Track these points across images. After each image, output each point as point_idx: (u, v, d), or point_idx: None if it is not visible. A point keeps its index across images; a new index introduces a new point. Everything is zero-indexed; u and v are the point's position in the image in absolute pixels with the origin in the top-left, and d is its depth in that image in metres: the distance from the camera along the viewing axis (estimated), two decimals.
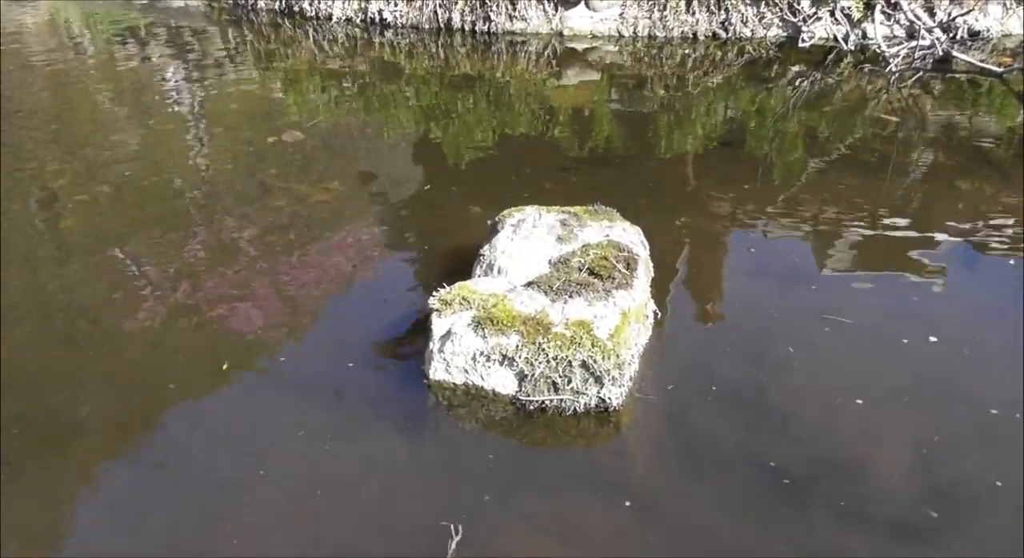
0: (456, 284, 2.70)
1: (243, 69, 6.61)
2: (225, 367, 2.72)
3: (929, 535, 2.06)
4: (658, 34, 6.87)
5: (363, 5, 7.52)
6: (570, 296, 2.56)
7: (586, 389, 2.40)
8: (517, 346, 2.42)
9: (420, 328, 2.74)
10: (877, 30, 6.39)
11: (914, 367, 2.68)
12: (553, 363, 2.39)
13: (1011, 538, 2.04)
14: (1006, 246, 3.51)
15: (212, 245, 3.57)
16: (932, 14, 6.57)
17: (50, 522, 2.17)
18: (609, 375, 2.38)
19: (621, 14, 6.92)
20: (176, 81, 6.25)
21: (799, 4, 6.71)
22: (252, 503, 2.18)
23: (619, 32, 6.94)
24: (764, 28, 6.78)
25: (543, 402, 2.43)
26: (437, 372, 2.52)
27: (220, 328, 2.97)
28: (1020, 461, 2.27)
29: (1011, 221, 3.72)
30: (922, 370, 2.67)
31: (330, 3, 7.67)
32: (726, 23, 6.79)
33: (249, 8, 8.29)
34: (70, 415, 2.51)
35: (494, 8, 7.03)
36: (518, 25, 7.05)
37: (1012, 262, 3.36)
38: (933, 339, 2.80)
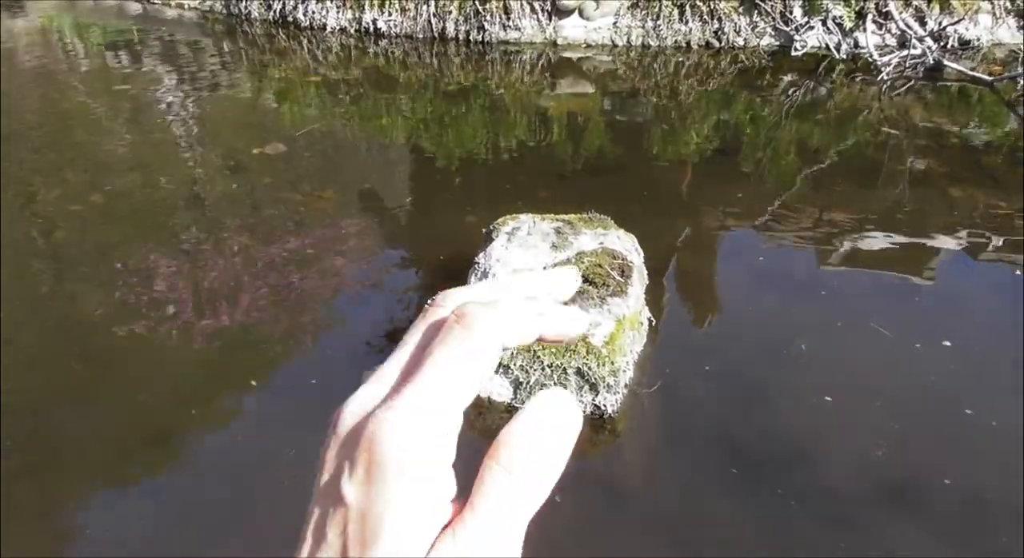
0: None
1: (237, 79, 6.62)
2: (254, 383, 2.70)
3: (862, 524, 2.10)
4: (652, 43, 6.91)
5: (357, 15, 7.54)
6: (565, 304, 2.55)
7: (581, 397, 2.40)
8: (512, 354, 2.41)
9: None
10: (869, 39, 6.44)
11: (923, 370, 2.70)
12: (548, 371, 2.39)
13: (945, 533, 2.06)
14: (1005, 253, 3.53)
15: (207, 256, 3.56)
16: (923, 23, 6.62)
17: (49, 542, 2.15)
18: (604, 382, 2.38)
19: (615, 23, 6.95)
20: (169, 91, 6.25)
21: (791, 13, 6.76)
22: (247, 520, 2.16)
23: (613, 41, 6.97)
24: (757, 37, 6.82)
25: None
26: None
27: (217, 340, 2.96)
28: (977, 462, 2.31)
29: (1005, 228, 3.74)
30: (932, 373, 2.68)
31: (324, 13, 7.69)
32: (719, 32, 6.82)
33: (243, 18, 8.31)
34: (71, 432, 2.49)
35: (488, 17, 7.05)
36: (512, 34, 7.08)
37: (1018, 272, 3.36)
38: (947, 344, 2.81)
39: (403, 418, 0.35)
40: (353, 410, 0.38)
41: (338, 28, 7.66)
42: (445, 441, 0.36)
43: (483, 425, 2.45)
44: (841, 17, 6.64)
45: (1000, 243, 3.61)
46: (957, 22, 6.62)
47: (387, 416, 0.35)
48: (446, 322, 0.38)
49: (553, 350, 2.39)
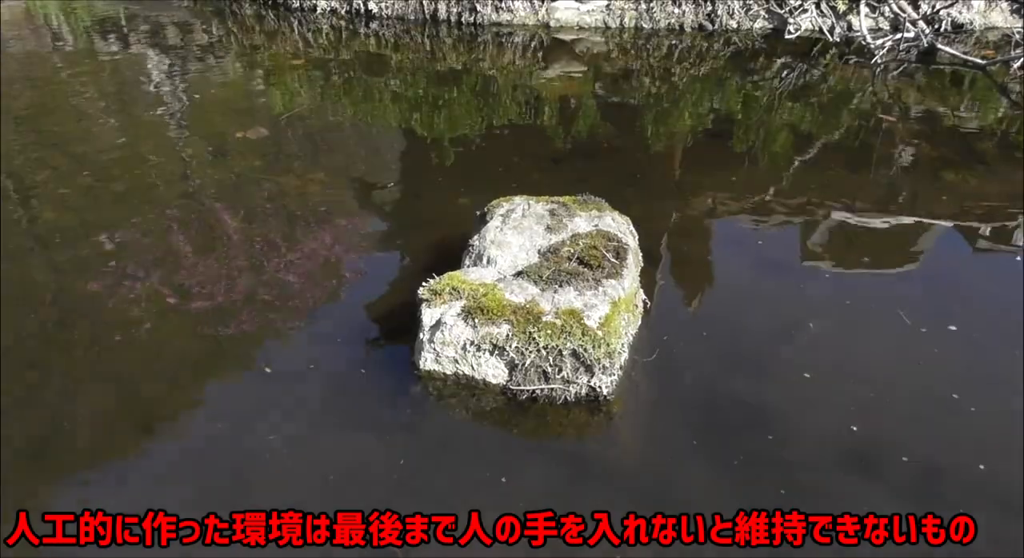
0: (446, 274, 2.68)
1: (226, 61, 6.54)
2: (268, 369, 2.66)
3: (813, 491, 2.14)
4: (645, 25, 6.86)
5: None
6: (560, 285, 2.55)
7: (577, 378, 2.39)
8: (507, 335, 2.40)
9: (409, 319, 2.71)
10: (862, 22, 6.41)
11: (920, 354, 2.69)
12: (543, 352, 2.37)
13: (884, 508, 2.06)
14: (1000, 237, 3.53)
15: (197, 238, 3.52)
16: (916, 7, 6.60)
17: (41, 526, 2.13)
18: (599, 364, 2.37)
19: (608, 5, 6.90)
20: (157, 73, 6.17)
21: None
22: (240, 504, 2.15)
23: (606, 23, 6.92)
24: (750, 20, 6.79)
25: (534, 391, 2.42)
26: (427, 362, 2.50)
27: (207, 323, 2.93)
28: (942, 443, 2.32)
29: (998, 212, 3.75)
30: (930, 357, 2.68)
31: None
32: (712, 15, 6.79)
33: (232, 0, 8.21)
34: (62, 416, 2.46)
35: None
36: (504, 16, 7.02)
37: (1018, 258, 3.35)
38: (952, 328, 2.80)
39: None
40: None
41: (328, 9, 7.58)
42: None
43: (477, 406, 2.44)
44: (835, 0, 6.61)
45: (995, 226, 3.61)
46: (950, 5, 6.61)
47: None
48: None
49: (548, 331, 2.38)
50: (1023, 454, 2.24)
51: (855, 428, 2.34)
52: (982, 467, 2.20)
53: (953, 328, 2.80)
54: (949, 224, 3.63)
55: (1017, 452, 2.25)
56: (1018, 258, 3.35)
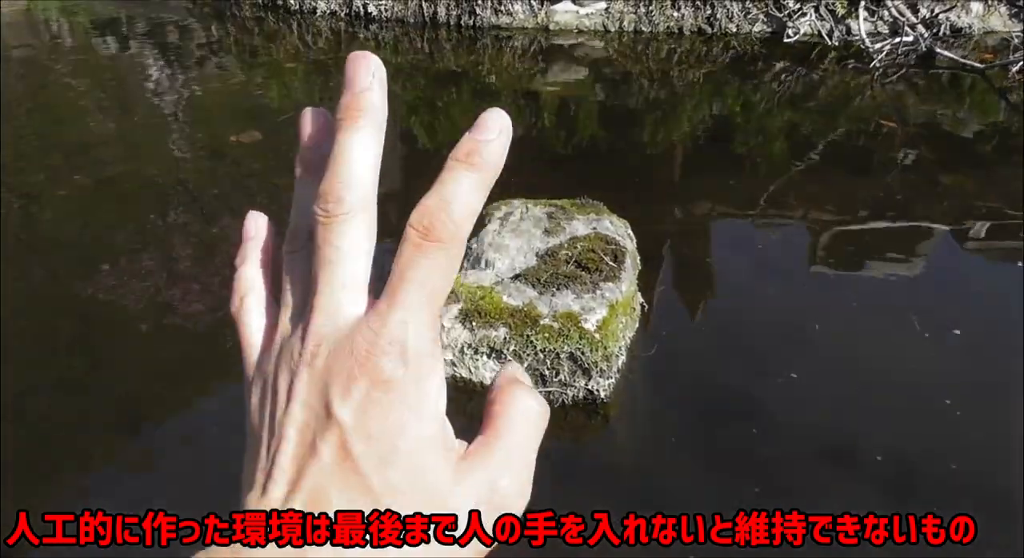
0: None
1: (225, 64, 6.55)
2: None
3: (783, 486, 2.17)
4: (644, 29, 6.88)
5: None
6: (558, 289, 2.56)
7: (574, 381, 2.40)
8: (505, 338, 2.41)
9: None
10: (861, 26, 6.43)
11: (926, 360, 2.70)
12: (541, 356, 2.38)
13: (856, 503, 2.08)
14: (1000, 241, 3.54)
15: (196, 241, 3.53)
16: (915, 11, 6.61)
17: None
18: (597, 367, 2.38)
19: (607, 9, 6.92)
20: (156, 75, 6.18)
21: (784, 0, 6.74)
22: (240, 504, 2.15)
23: (605, 27, 6.93)
24: (749, 23, 6.80)
25: None
26: None
27: (206, 325, 2.94)
28: (921, 443, 2.33)
29: (996, 216, 3.76)
30: (930, 361, 2.69)
31: None
32: (711, 18, 6.80)
33: (232, 2, 8.22)
34: (56, 419, 2.47)
35: (479, 2, 7.00)
36: (504, 19, 7.03)
37: (1020, 263, 3.35)
38: (956, 332, 2.81)
39: (399, 337, 0.35)
40: (325, 334, 0.37)
41: (328, 12, 7.59)
42: (437, 347, 0.37)
43: (475, 409, 2.45)
44: (834, 3, 6.63)
45: (994, 231, 3.62)
46: (949, 9, 6.62)
47: (383, 338, 0.35)
48: (409, 240, 0.38)
49: (546, 335, 2.39)
50: (989, 455, 2.27)
51: (843, 430, 2.35)
52: (953, 466, 2.23)
53: (957, 332, 2.81)
54: (949, 228, 3.65)
55: (989, 452, 2.28)
56: (1019, 263, 3.35)
